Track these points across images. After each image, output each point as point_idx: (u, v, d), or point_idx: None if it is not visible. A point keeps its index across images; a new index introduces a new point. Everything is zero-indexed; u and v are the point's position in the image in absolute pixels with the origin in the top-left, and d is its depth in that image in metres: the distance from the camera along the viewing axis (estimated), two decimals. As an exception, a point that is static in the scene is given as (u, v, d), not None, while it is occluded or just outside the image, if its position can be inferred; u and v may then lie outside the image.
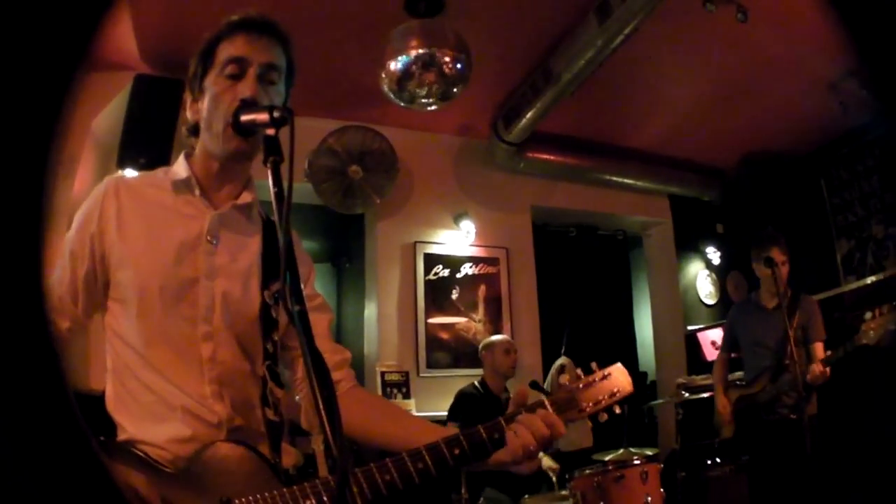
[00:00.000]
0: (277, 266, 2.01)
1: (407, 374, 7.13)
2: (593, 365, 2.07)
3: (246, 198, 2.17)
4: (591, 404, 1.98)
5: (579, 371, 2.04)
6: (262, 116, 1.76)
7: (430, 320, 7.43)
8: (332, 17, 5.70)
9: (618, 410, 2.04)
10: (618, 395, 2.00)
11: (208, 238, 2.08)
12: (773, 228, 5.80)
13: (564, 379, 2.03)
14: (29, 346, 1.22)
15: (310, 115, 6.92)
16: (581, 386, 1.99)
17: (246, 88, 2.01)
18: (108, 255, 2.05)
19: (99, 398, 2.08)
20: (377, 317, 7.31)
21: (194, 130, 2.19)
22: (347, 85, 6.54)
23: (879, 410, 6.05)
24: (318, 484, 1.84)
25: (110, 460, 1.89)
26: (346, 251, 8.67)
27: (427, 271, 7.50)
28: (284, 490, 1.85)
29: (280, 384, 2.06)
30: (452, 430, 1.99)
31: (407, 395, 7.00)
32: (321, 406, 1.41)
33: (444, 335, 7.45)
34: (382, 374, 7.00)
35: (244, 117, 1.88)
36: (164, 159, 4.95)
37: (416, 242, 7.52)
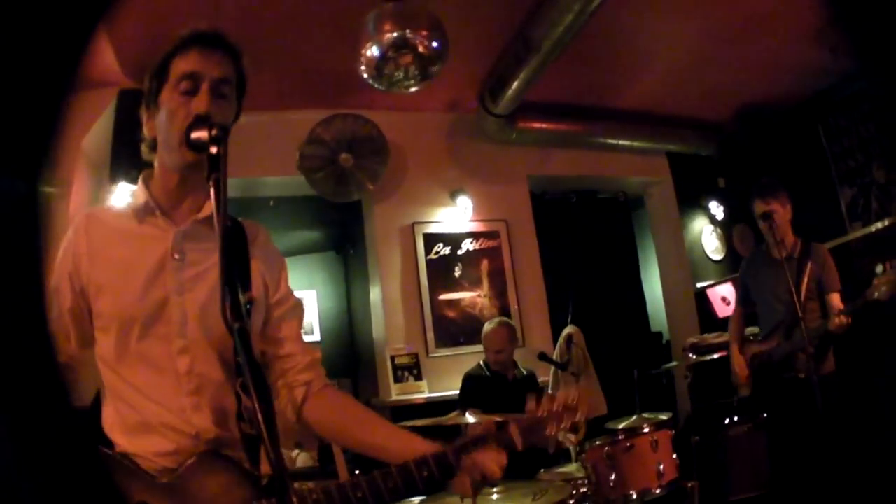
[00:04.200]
0: (245, 275, 2.15)
1: (416, 355, 7.14)
2: (552, 390, 2.19)
3: (207, 210, 2.18)
4: (554, 430, 2.12)
5: (547, 396, 2.12)
6: (204, 134, 1.85)
7: (436, 300, 7.40)
8: (308, 9, 5.68)
9: (579, 434, 2.21)
10: (580, 419, 2.16)
11: (174, 256, 2.13)
12: (766, 178, 5.67)
13: (530, 405, 2.10)
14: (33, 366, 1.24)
15: (296, 107, 6.95)
16: (545, 414, 2.11)
17: (200, 104, 2.05)
18: (86, 289, 2.13)
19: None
20: (382, 301, 7.31)
21: (153, 145, 2.22)
22: (330, 74, 6.47)
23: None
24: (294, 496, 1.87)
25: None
26: (350, 238, 8.68)
27: (428, 251, 7.48)
28: (264, 501, 1.95)
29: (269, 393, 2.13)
30: (417, 439, 2.13)
31: (418, 377, 7.01)
32: (260, 419, 1.53)
33: (451, 313, 7.43)
34: (392, 357, 7.01)
35: (194, 134, 1.92)
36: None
37: (414, 223, 7.49)
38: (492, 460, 2.01)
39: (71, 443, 1.38)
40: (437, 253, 7.50)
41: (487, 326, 6.09)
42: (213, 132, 1.80)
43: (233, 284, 1.66)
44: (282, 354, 2.27)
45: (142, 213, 2.18)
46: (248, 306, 2.04)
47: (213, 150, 1.78)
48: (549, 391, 6.17)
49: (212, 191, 1.70)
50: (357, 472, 2.09)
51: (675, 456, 4.65)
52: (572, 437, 5.00)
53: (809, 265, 5.29)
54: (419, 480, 1.93)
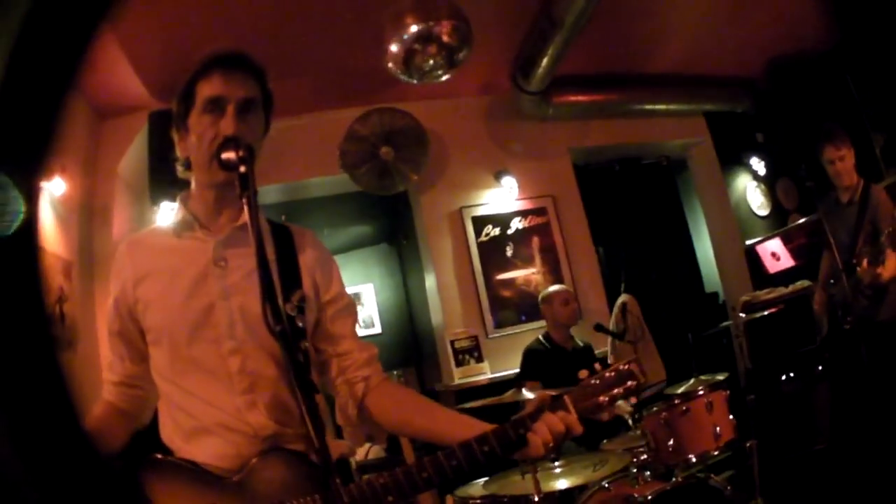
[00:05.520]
0: (294, 274, 2.21)
1: (476, 338, 7.20)
2: (611, 360, 2.19)
3: (245, 217, 2.23)
4: (606, 398, 2.08)
5: (598, 366, 2.15)
6: (232, 155, 1.92)
7: (490, 281, 7.46)
8: (331, 10, 5.73)
9: (633, 400, 2.23)
10: (630, 385, 2.10)
11: (218, 263, 2.19)
12: (829, 123, 5.66)
13: (583, 374, 2.14)
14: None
15: (331, 107, 7.02)
16: (598, 382, 2.09)
17: (227, 126, 2.10)
18: (134, 310, 2.22)
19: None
20: (438, 287, 7.40)
21: (187, 164, 2.28)
22: (361, 71, 6.51)
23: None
24: (360, 482, 1.97)
25: (166, 475, 2.11)
26: (401, 229, 8.77)
27: (478, 234, 7.53)
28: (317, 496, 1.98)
29: (315, 390, 2.12)
30: (476, 422, 2.13)
31: (479, 359, 7.08)
32: (305, 413, 1.63)
33: (507, 293, 7.49)
34: (452, 342, 7.08)
35: (223, 155, 1.99)
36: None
37: (461, 208, 7.55)
38: (556, 422, 2.01)
39: (79, 457, 1.44)
40: (487, 235, 7.55)
41: (548, 289, 6.23)
42: (241, 153, 1.88)
43: (272, 291, 1.74)
44: (339, 352, 2.31)
45: (181, 228, 2.25)
46: (300, 304, 2.12)
47: (242, 169, 1.86)
48: (609, 361, 6.23)
49: (245, 208, 1.79)
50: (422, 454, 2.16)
51: (731, 416, 4.66)
52: (627, 406, 5.07)
53: (869, 208, 5.30)
54: (481, 456, 1.97)
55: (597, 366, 2.15)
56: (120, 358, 2.29)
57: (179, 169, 2.32)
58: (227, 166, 1.96)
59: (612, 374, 2.10)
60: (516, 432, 2.00)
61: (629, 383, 2.10)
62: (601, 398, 2.07)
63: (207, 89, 2.15)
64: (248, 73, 2.20)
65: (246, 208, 1.79)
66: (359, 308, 8.86)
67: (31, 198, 1.32)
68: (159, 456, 2.16)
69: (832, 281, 5.65)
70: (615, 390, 2.08)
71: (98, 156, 5.84)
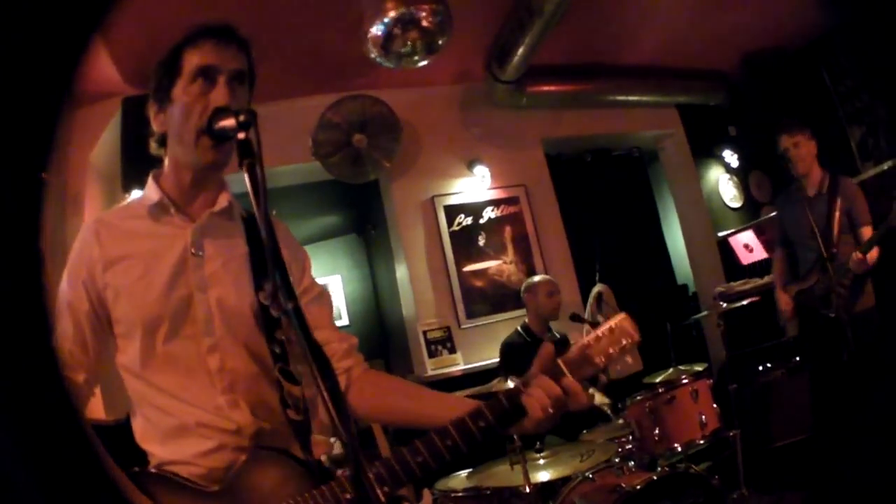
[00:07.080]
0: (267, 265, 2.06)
1: (448, 328, 7.14)
2: (600, 318, 2.06)
3: (222, 202, 2.17)
4: (603, 358, 1.96)
5: (587, 326, 2.05)
6: (231, 122, 1.76)
7: (462, 271, 7.40)
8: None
9: (630, 360, 2.06)
10: (626, 344, 1.98)
11: (193, 251, 2.09)
12: (786, 117, 5.67)
13: (574, 338, 2.05)
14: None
15: (304, 94, 6.91)
16: (591, 341, 1.98)
17: (219, 97, 2.00)
18: (102, 296, 2.08)
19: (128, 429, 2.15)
20: (409, 277, 7.32)
21: (162, 141, 2.18)
22: (335, 57, 6.47)
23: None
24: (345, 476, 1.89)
25: (146, 489, 1.95)
26: (370, 219, 8.69)
27: (450, 223, 7.47)
28: (324, 488, 1.89)
29: (296, 382, 2.07)
30: (467, 400, 2.04)
31: (452, 350, 7.03)
32: (326, 396, 1.45)
33: (479, 283, 7.44)
34: (424, 333, 7.03)
35: (220, 123, 1.88)
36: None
37: (433, 197, 7.48)
38: (551, 384, 1.89)
39: (75, 451, 1.37)
40: (459, 224, 7.49)
41: (532, 279, 6.20)
42: (241, 118, 1.68)
43: (280, 267, 1.65)
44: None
45: (156, 211, 2.13)
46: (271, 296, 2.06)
47: (242, 136, 1.66)
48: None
49: (246, 177, 1.58)
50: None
51: (715, 405, 4.65)
52: (607, 400, 5.05)
53: (838, 200, 5.30)
54: (477, 433, 1.85)
55: (587, 326, 2.06)
56: (84, 351, 2.09)
57: (153, 145, 2.21)
58: (223, 136, 1.88)
59: (605, 332, 1.98)
60: (511, 401, 1.89)
61: (624, 341, 1.97)
62: (597, 359, 1.95)
63: (198, 58, 2.04)
64: (239, 45, 2.10)
65: (246, 177, 1.58)
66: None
67: (35, 195, 1.26)
68: (137, 469, 2.03)
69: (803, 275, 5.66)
70: (610, 349, 1.96)
71: (70, 143, 5.71)
